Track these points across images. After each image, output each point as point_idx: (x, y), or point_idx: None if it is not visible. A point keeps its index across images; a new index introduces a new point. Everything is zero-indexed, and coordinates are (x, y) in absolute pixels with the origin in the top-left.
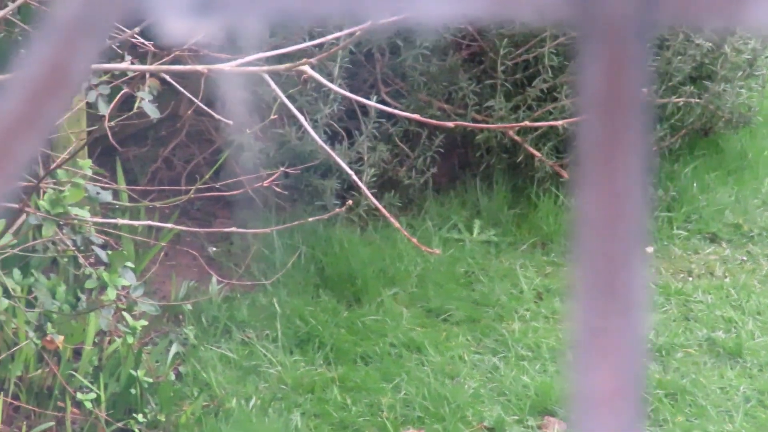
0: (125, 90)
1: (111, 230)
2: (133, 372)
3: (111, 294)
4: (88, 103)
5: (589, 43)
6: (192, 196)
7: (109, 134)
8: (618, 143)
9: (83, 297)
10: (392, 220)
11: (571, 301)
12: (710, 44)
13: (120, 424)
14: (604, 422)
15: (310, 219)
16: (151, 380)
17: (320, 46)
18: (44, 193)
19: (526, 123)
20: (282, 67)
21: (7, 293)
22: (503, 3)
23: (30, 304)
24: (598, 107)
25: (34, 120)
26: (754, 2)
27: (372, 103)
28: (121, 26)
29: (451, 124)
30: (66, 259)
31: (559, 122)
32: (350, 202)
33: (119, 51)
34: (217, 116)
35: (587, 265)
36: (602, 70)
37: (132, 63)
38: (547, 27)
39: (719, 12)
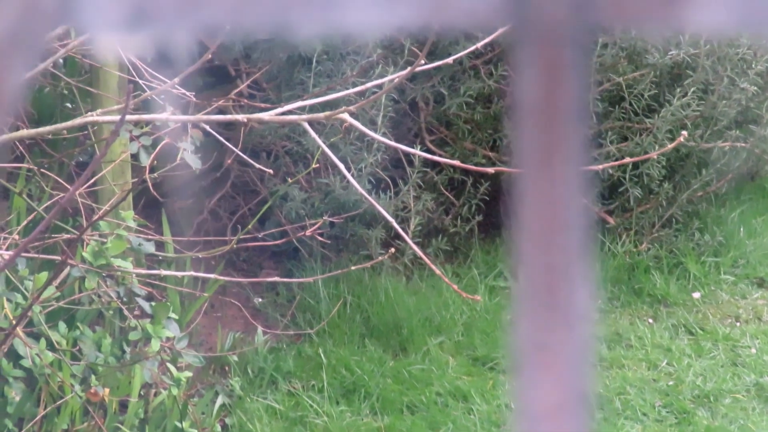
0: (166, 141)
1: (156, 282)
2: (178, 424)
3: (155, 346)
4: (132, 155)
5: (524, 48)
6: (236, 246)
7: (150, 186)
8: (556, 151)
9: (128, 349)
10: (434, 267)
11: (514, 314)
12: (755, 88)
13: None
14: None
15: (354, 268)
16: None
17: (362, 94)
18: (87, 244)
19: None
20: (321, 115)
21: (52, 346)
22: (435, 10)
23: (75, 357)
24: (534, 114)
25: None
26: (690, 6)
27: (416, 151)
28: (162, 77)
29: (491, 170)
30: (111, 312)
31: (600, 166)
32: (392, 250)
33: (160, 101)
34: (258, 166)
35: (528, 277)
36: (538, 76)
37: (173, 113)
38: (594, 71)
39: (655, 16)
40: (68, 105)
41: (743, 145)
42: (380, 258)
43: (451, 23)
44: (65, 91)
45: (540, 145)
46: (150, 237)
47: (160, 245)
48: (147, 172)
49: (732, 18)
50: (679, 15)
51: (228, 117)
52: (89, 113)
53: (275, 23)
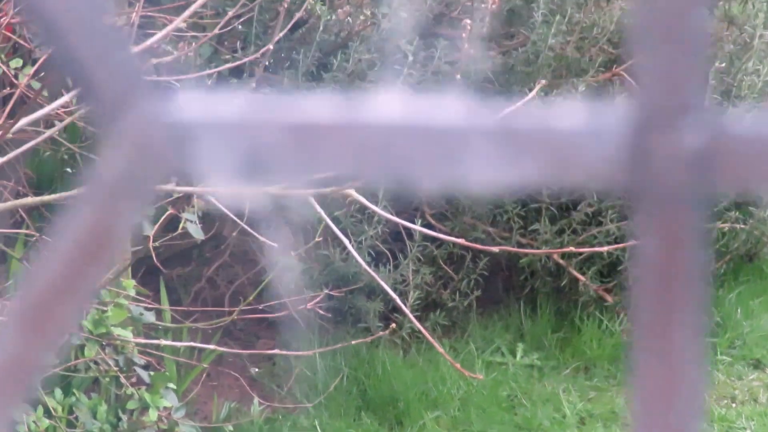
0: (170, 211)
1: (153, 351)
2: None
3: (152, 415)
4: None
5: (644, 211)
6: (235, 317)
7: (153, 255)
8: (674, 317)
9: (124, 417)
10: (434, 343)
11: None
12: None
13: None
14: None
15: (353, 341)
16: None
17: None
18: (87, 313)
19: (571, 248)
20: (328, 190)
21: (48, 413)
22: (556, 169)
23: (71, 424)
24: (653, 279)
25: (75, 284)
26: None
27: (416, 226)
28: None
29: (495, 248)
30: (108, 379)
31: (605, 248)
32: (393, 325)
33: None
34: (260, 237)
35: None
36: (658, 240)
37: (177, 184)
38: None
39: None
40: (68, 170)
41: (742, 226)
42: (380, 333)
43: (572, 182)
44: (66, 156)
45: (658, 310)
46: (149, 306)
47: (158, 314)
48: (150, 242)
49: None
50: None
51: (232, 189)
52: None
53: (396, 177)
